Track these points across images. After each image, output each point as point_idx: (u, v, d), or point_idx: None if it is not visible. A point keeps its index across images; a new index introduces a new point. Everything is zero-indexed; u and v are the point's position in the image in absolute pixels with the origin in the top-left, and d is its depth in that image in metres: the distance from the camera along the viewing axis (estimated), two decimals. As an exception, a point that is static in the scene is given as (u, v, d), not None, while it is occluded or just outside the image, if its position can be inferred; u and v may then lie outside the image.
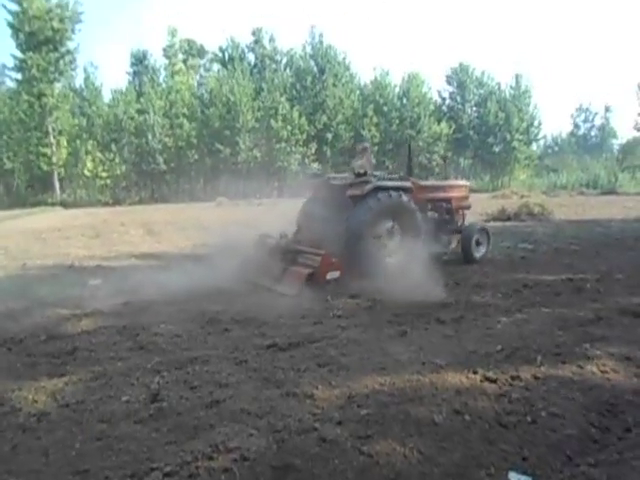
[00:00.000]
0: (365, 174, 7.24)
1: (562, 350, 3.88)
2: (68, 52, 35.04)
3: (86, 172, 36.04)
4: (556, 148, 53.20)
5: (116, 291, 6.52)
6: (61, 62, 34.77)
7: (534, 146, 46.54)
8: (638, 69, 70.82)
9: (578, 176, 38.13)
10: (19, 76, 34.67)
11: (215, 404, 3.18)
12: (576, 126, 52.12)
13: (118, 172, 36.77)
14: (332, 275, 6.35)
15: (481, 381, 3.35)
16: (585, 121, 52.01)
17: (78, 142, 36.09)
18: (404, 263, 6.66)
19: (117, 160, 36.52)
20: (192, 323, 5.09)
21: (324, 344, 4.27)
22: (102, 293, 6.57)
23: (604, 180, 35.51)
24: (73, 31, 34.70)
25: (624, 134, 49.73)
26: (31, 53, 33.03)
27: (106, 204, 34.34)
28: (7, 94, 36.16)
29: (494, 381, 3.34)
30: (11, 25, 33.06)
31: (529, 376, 3.40)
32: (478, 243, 8.24)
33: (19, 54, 33.58)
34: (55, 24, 33.27)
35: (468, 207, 8.82)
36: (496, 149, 42.45)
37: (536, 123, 44.12)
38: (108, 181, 36.87)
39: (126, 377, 3.67)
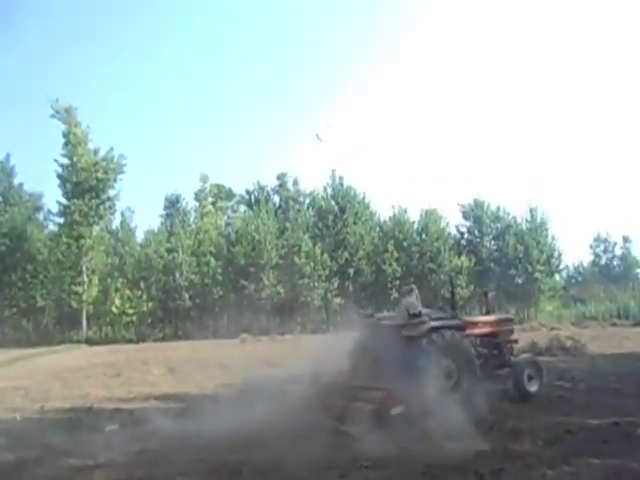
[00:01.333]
0: (419, 314, 7.40)
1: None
2: (109, 199, 37.96)
3: (114, 309, 36.81)
4: (580, 278, 52.80)
5: (132, 438, 6.27)
6: (101, 207, 37.55)
7: (557, 277, 46.32)
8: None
9: (607, 306, 37.19)
10: (61, 220, 37.31)
11: None
12: (597, 256, 52.19)
13: (144, 309, 37.44)
14: (395, 411, 6.25)
15: None
16: (605, 251, 52.18)
17: (109, 280, 37.44)
18: (460, 400, 6.60)
19: (144, 297, 37.42)
20: (210, 475, 4.78)
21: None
22: (118, 440, 6.33)
23: (635, 310, 34.48)
24: (115, 180, 37.94)
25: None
26: (75, 200, 35.90)
27: (130, 341, 34.41)
28: (49, 236, 38.58)
29: None
30: (60, 176, 36.51)
31: None
32: (530, 377, 7.97)
33: (64, 201, 36.53)
34: (99, 175, 36.58)
35: (515, 341, 8.76)
36: (519, 280, 42.30)
37: (556, 254, 44.40)
38: (134, 318, 37.41)
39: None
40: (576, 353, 14.34)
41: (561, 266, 46.10)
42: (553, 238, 44.31)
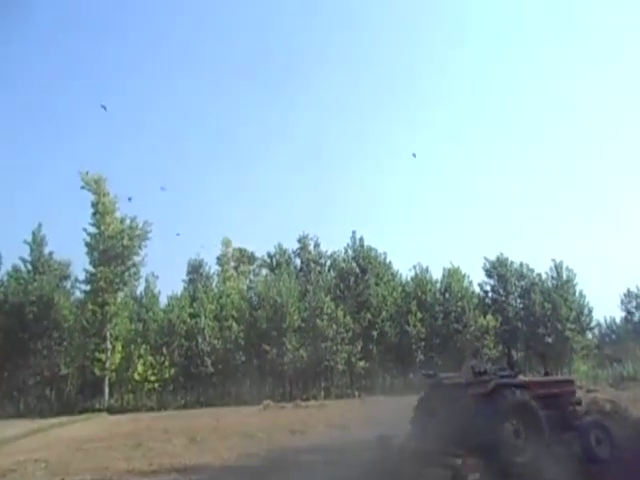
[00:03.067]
0: (485, 372, 7.53)
1: None
2: (134, 265, 38.70)
3: (136, 376, 36.50)
4: (613, 336, 50.74)
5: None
6: (126, 274, 38.23)
7: (589, 335, 44.67)
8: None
9: (646, 366, 35.39)
10: (87, 288, 37.96)
11: None
12: (629, 312, 50.31)
13: (167, 375, 37.03)
14: (473, 477, 6.23)
15: None
16: (637, 307, 50.32)
17: (132, 346, 37.39)
18: (531, 463, 6.51)
19: (166, 363, 37.12)
20: None
21: None
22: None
23: (675, 370, 32.74)
24: (140, 247, 38.82)
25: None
26: (101, 267, 36.69)
27: (151, 409, 33.83)
28: (74, 304, 39.13)
29: None
30: (88, 244, 37.56)
31: None
32: (599, 441, 7.69)
33: (91, 269, 37.35)
34: (125, 242, 37.54)
35: (579, 403, 8.62)
36: (549, 340, 40.91)
37: (586, 311, 43.11)
38: (156, 385, 36.94)
39: None
40: (617, 417, 13.53)
41: (592, 323, 44.60)
42: (581, 294, 43.19)
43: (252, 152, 78.91)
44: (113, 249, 37.04)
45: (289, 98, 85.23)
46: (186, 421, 21.18)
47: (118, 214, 38.34)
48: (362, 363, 37.59)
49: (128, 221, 38.28)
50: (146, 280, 41.56)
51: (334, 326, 37.27)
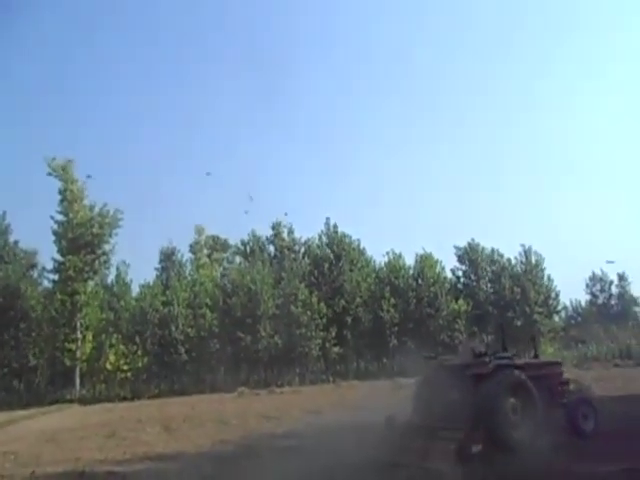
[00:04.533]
0: (485, 354, 8.14)
1: None
2: (104, 254, 37.86)
3: (108, 366, 35.97)
4: (579, 318, 52.45)
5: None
6: (96, 262, 37.39)
7: (556, 318, 46.02)
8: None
9: (608, 347, 36.84)
10: (56, 277, 37.03)
11: None
12: (594, 295, 52.07)
13: (140, 364, 36.62)
14: (476, 449, 6.87)
15: None
16: (602, 290, 52.11)
17: (103, 336, 36.79)
18: (527, 437, 7.25)
19: (139, 352, 36.69)
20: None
21: None
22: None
23: (637, 350, 34.15)
24: (111, 235, 37.95)
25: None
26: (70, 256, 35.78)
27: (124, 398, 33.45)
28: (42, 293, 38.17)
29: None
30: (56, 233, 36.53)
31: None
32: (585, 416, 8.34)
33: (59, 257, 36.38)
34: (95, 230, 36.63)
35: (567, 383, 9.16)
36: (517, 323, 41.99)
37: (553, 295, 44.33)
38: (129, 374, 36.51)
39: None
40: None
41: (559, 307, 45.96)
42: (549, 279, 44.37)
43: (224, 138, 77.88)
44: (82, 237, 36.15)
45: (261, 84, 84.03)
46: (160, 410, 21.05)
47: (87, 201, 37.41)
48: (336, 349, 37.93)
49: (98, 208, 37.38)
50: (117, 268, 40.77)
51: (308, 312, 37.42)
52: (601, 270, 50.65)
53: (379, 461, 7.06)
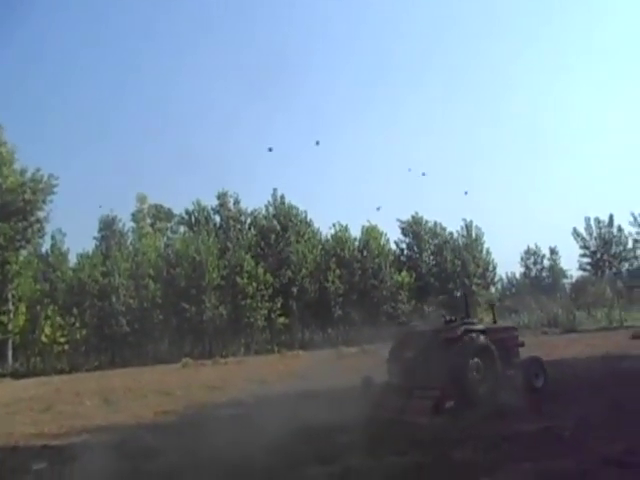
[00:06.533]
0: (455, 320, 9.10)
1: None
2: (37, 221, 35.89)
3: (43, 338, 34.54)
4: (513, 290, 55.38)
5: (62, 476, 5.86)
6: (29, 230, 35.42)
7: (492, 289, 48.36)
8: (573, 214, 77.98)
9: (538, 316, 39.12)
10: (-16, 245, 34.83)
11: None
12: (527, 268, 55.00)
13: (78, 337, 35.40)
14: (449, 404, 7.84)
15: None
16: (535, 263, 55.09)
17: (38, 307, 35.22)
18: (489, 393, 8.15)
19: (77, 324, 35.44)
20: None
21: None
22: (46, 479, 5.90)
23: (563, 318, 36.51)
24: (44, 202, 35.94)
25: (573, 274, 52.27)
26: (0, 223, 33.68)
27: (62, 372, 32.35)
28: (-31, 263, 35.89)
29: None
30: (-17, 199, 34.18)
31: None
32: (536, 375, 9.30)
33: (-12, 224, 34.17)
34: (27, 196, 34.54)
35: (521, 345, 10.05)
36: (457, 294, 43.86)
37: (491, 267, 46.49)
38: (66, 347, 35.24)
39: None
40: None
41: (496, 279, 48.32)
42: (488, 252, 46.39)
43: (160, 102, 74.71)
44: (13, 203, 34.03)
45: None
46: (99, 382, 20.48)
47: (18, 165, 35.13)
48: (282, 319, 38.20)
49: (30, 174, 35.20)
50: (52, 237, 38.85)
51: (254, 283, 37.33)
52: (535, 245, 53.42)
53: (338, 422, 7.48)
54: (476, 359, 8.39)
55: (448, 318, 9.32)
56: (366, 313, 38.57)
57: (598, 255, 42.50)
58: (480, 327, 9.10)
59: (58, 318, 35.02)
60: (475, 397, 8.09)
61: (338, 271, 39.90)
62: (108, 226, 46.64)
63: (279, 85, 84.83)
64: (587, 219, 43.23)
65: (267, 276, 38.03)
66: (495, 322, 10.67)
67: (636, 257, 42.34)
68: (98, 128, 68.52)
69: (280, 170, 66.22)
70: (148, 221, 51.76)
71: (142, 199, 51.02)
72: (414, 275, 42.48)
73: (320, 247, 42.34)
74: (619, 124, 73.91)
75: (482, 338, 8.63)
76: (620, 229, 42.53)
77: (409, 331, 10.09)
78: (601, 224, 43.05)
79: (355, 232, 43.24)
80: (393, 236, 45.79)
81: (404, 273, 42.09)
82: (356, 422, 7.37)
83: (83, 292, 35.81)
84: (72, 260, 39.20)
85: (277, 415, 8.42)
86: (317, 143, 36.47)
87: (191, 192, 68.57)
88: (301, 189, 72.45)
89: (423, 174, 39.05)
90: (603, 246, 42.42)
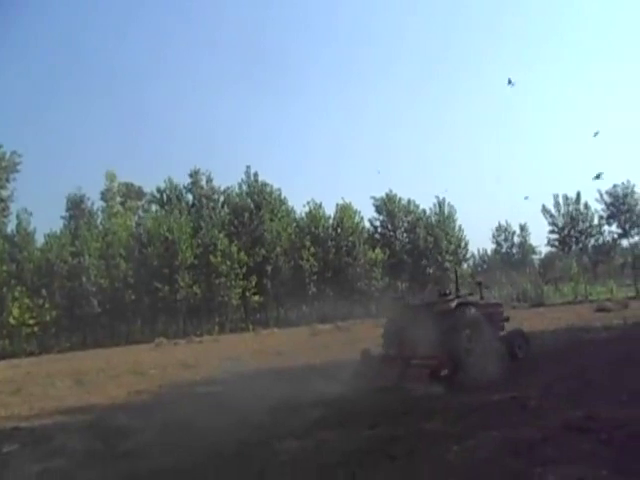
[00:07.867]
0: (450, 294, 9.62)
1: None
2: (1, 200, 34.82)
3: (11, 320, 33.75)
4: (485, 266, 56.57)
5: (34, 457, 5.80)
6: (-8, 210, 34.37)
7: (465, 265, 49.27)
8: (542, 191, 79.58)
9: (508, 291, 40.20)
10: (-55, 226, 33.64)
11: None
12: (498, 244, 56.11)
13: (47, 318, 34.71)
14: (444, 372, 8.36)
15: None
16: (505, 240, 56.22)
17: (5, 289, 34.31)
18: (478, 361, 8.44)
19: (47, 305, 34.73)
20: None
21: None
22: (17, 461, 5.83)
23: (532, 293, 37.63)
24: (8, 180, 34.86)
25: (542, 250, 53.60)
26: (-39, 203, 32.56)
27: (31, 354, 31.80)
28: None
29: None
30: (-58, 177, 32.90)
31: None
32: (519, 346, 9.93)
33: (-52, 204, 32.99)
34: (-11, 174, 33.44)
35: (507, 319, 10.70)
36: (430, 271, 44.53)
37: (463, 244, 47.22)
38: (35, 328, 34.54)
39: None
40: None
41: (468, 255, 49.18)
42: (460, 229, 47.04)
43: (136, 79, 72.54)
44: (-26, 182, 32.82)
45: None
46: (71, 363, 20.25)
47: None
48: (256, 297, 38.18)
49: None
50: (17, 217, 37.69)
51: (228, 262, 37.11)
52: (506, 221, 54.36)
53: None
54: (467, 330, 8.91)
55: (443, 292, 9.86)
56: (340, 290, 38.90)
57: (565, 231, 43.45)
58: (472, 301, 9.70)
59: (26, 300, 34.24)
60: (465, 365, 8.52)
61: (312, 249, 39.96)
62: (76, 205, 45.44)
63: (262, 65, 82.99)
64: (555, 196, 43.99)
65: (241, 255, 37.84)
66: (482, 298, 11.09)
67: (601, 233, 43.48)
68: (67, 102, 66.23)
69: (257, 149, 65.48)
70: (118, 200, 50.62)
71: (111, 177, 49.80)
72: (388, 252, 42.87)
73: (294, 225, 42.25)
74: (586, 106, 75.41)
75: (473, 311, 9.15)
76: (587, 206, 43.50)
77: (405, 305, 10.66)
78: (569, 201, 43.95)
79: (329, 210, 43.29)
80: (367, 214, 46.00)
81: (378, 250, 42.42)
82: (332, 397, 7.50)
83: (52, 273, 35.04)
84: (39, 240, 38.20)
85: (251, 392, 8.47)
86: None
87: (164, 171, 67.02)
88: (277, 167, 71.70)
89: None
90: (570, 222, 43.37)
